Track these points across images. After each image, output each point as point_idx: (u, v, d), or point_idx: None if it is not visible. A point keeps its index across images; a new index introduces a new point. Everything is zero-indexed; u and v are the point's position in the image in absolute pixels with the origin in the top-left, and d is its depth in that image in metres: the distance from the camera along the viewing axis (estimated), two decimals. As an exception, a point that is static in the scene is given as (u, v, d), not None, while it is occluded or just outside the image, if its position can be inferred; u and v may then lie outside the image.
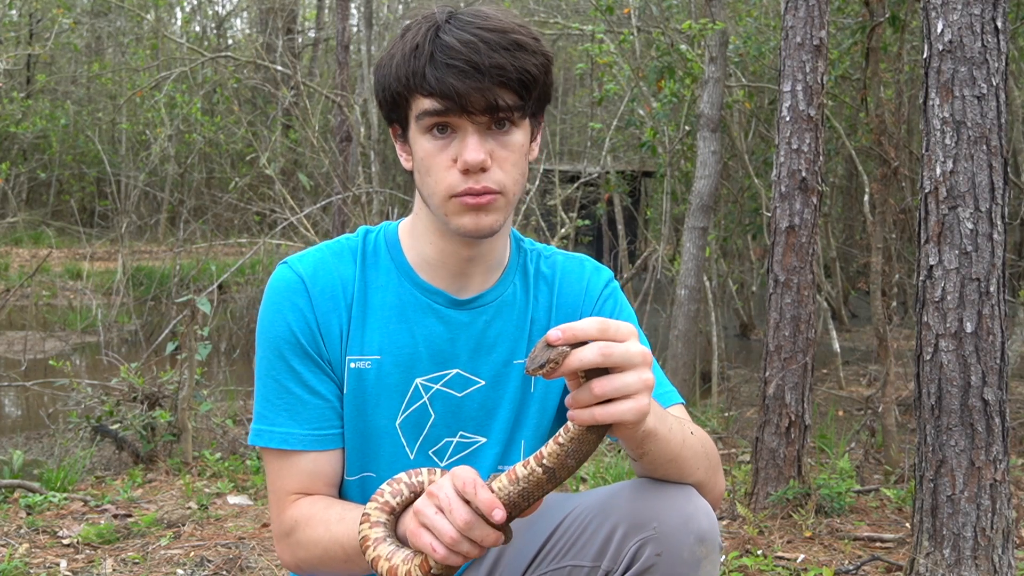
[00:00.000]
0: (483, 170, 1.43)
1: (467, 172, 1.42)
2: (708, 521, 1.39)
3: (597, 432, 1.24)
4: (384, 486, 1.36)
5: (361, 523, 1.35)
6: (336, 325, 1.53)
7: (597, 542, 1.43)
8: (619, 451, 4.95)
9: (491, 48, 1.38)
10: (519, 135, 1.46)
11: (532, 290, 1.63)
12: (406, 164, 1.53)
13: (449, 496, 1.21)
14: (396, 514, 1.35)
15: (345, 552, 1.41)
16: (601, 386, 1.20)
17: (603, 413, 1.21)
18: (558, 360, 1.19)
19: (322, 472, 1.52)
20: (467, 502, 1.21)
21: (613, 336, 1.21)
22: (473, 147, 1.41)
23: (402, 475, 1.37)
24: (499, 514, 1.19)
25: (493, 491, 1.22)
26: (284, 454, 1.51)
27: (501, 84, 1.39)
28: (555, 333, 1.19)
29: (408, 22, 1.47)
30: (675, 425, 1.39)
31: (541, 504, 1.25)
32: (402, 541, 1.33)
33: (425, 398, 1.56)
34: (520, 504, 1.22)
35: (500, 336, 1.59)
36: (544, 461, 1.23)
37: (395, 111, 1.48)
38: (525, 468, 1.23)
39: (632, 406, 1.21)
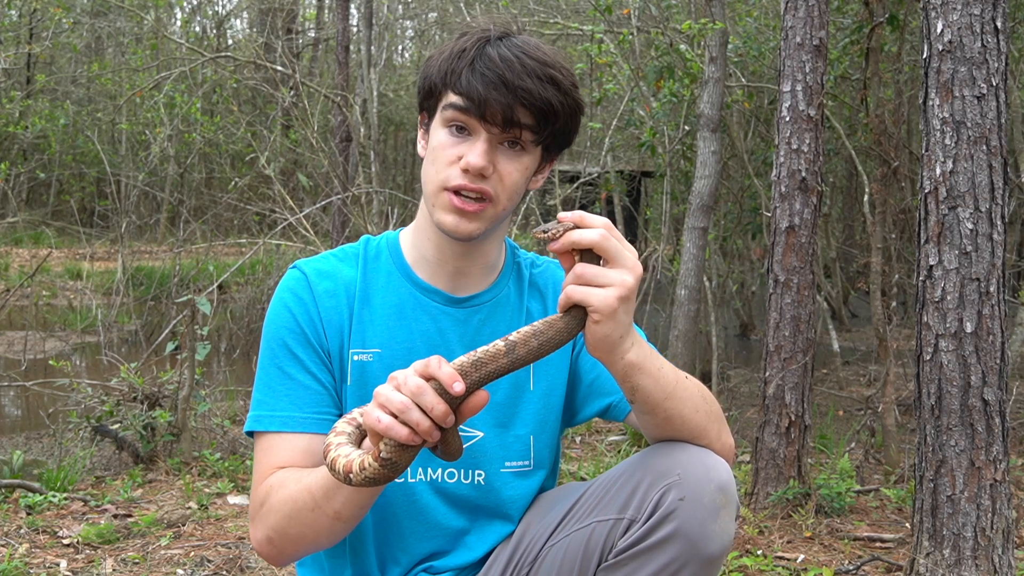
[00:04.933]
0: (483, 176, 1.51)
1: (466, 172, 1.51)
2: (728, 474, 1.48)
3: (567, 322, 1.34)
4: (355, 408, 1.43)
5: (327, 436, 1.39)
6: (337, 321, 1.61)
7: (622, 497, 1.50)
8: (619, 451, 4.95)
9: (526, 72, 1.49)
10: (527, 158, 1.56)
11: (526, 295, 1.72)
12: (421, 151, 1.63)
13: (406, 373, 1.28)
14: (363, 430, 1.39)
15: (313, 498, 1.43)
16: (583, 267, 1.34)
17: (574, 290, 1.34)
18: (560, 231, 1.34)
19: (314, 452, 1.55)
20: (428, 379, 1.26)
21: (616, 237, 1.34)
22: (479, 152, 1.50)
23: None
24: (459, 386, 1.25)
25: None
26: (280, 436, 1.56)
27: (523, 105, 1.49)
28: (566, 213, 1.34)
29: (469, 29, 1.58)
30: (666, 366, 1.47)
31: (487, 400, 1.29)
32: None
33: None
34: (471, 374, 1.28)
35: (494, 334, 1.66)
36: (510, 337, 1.32)
37: (428, 99, 1.58)
38: (487, 344, 1.31)
39: (601, 294, 1.32)
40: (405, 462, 1.28)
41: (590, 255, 1.35)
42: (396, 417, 1.25)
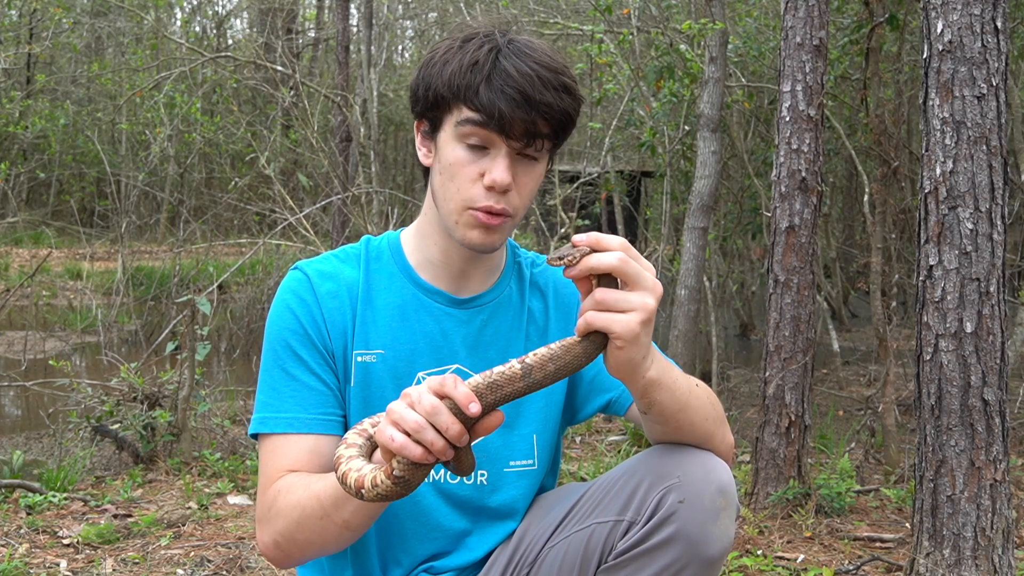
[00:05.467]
0: (505, 191, 1.51)
1: (491, 190, 1.51)
2: (728, 476, 1.48)
3: (585, 347, 1.30)
4: (366, 419, 1.42)
5: (338, 447, 1.37)
6: (340, 321, 1.60)
7: (622, 498, 1.50)
8: (619, 451, 4.95)
9: (544, 85, 1.48)
10: (541, 166, 1.57)
11: (527, 295, 1.72)
12: (425, 159, 1.61)
13: (420, 391, 1.25)
14: (374, 441, 1.38)
15: (322, 506, 1.43)
16: (603, 292, 1.30)
17: (594, 317, 1.30)
18: (576, 256, 1.30)
19: (320, 453, 1.55)
20: (442, 397, 1.24)
21: (634, 257, 1.30)
22: (503, 169, 1.50)
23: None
24: (475, 407, 1.23)
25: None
26: (286, 437, 1.55)
27: (544, 119, 1.48)
28: (581, 236, 1.29)
29: (466, 32, 1.54)
30: (680, 376, 1.46)
31: (502, 420, 1.27)
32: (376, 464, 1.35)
33: None
34: (486, 395, 1.25)
35: (496, 334, 1.67)
36: (526, 359, 1.29)
37: (432, 111, 1.55)
38: (503, 365, 1.28)
39: (623, 319, 1.29)
40: (418, 480, 1.27)
41: (607, 277, 1.31)
42: (410, 436, 1.23)
